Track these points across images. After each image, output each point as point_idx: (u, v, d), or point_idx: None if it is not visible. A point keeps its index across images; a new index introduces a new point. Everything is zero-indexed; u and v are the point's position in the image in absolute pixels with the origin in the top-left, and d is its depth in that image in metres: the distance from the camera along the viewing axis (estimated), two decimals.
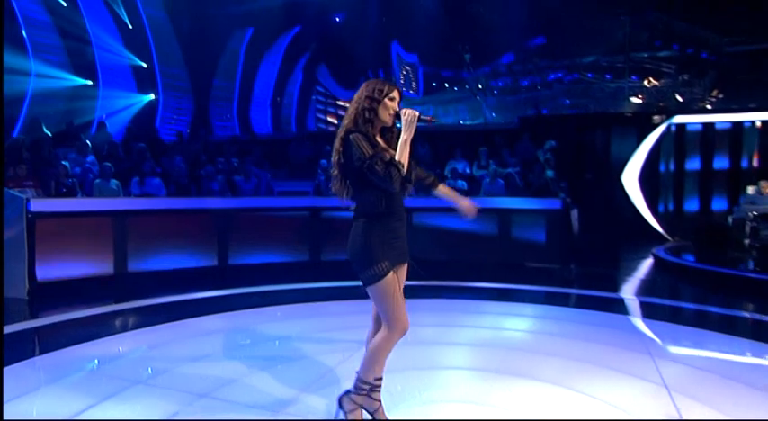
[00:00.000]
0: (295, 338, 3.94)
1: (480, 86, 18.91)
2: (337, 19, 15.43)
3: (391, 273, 2.37)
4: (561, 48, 16.73)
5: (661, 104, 14.72)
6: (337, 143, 2.43)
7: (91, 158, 7.86)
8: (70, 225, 5.82)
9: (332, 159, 2.49)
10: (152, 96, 12.27)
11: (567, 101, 16.53)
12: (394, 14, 16.45)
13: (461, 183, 8.74)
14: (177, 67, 12.85)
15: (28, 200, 5.52)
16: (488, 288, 5.95)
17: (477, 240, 7.48)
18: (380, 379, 2.45)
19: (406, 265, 2.55)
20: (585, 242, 9.00)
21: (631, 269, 7.65)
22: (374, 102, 2.46)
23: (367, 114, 2.43)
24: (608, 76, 16.41)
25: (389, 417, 2.53)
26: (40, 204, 5.58)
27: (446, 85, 19.74)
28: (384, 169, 2.29)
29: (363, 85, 2.52)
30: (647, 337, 4.10)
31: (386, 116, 2.45)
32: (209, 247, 6.87)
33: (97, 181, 7.01)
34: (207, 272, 6.77)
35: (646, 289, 6.38)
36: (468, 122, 15.47)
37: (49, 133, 8.06)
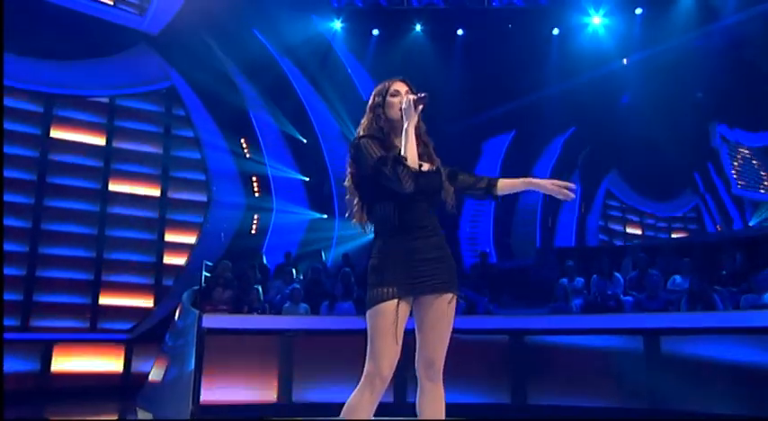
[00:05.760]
0: None
1: None
2: (624, 100, 14.99)
3: (394, 302, 2.52)
4: None
5: None
6: (350, 154, 2.85)
7: (295, 286, 9.61)
8: (237, 343, 7.25)
9: (346, 181, 2.90)
10: None
11: None
12: (715, 87, 14.80)
13: None
14: None
15: (201, 315, 7.20)
16: None
17: None
18: None
19: (445, 297, 2.64)
20: None
21: None
22: (378, 108, 2.86)
23: (375, 123, 2.85)
24: None
25: None
26: (210, 320, 7.20)
27: None
28: (391, 168, 2.59)
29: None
30: None
31: (395, 115, 2.81)
32: None
33: (286, 305, 8.55)
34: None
35: None
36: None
37: (266, 264, 10.29)
